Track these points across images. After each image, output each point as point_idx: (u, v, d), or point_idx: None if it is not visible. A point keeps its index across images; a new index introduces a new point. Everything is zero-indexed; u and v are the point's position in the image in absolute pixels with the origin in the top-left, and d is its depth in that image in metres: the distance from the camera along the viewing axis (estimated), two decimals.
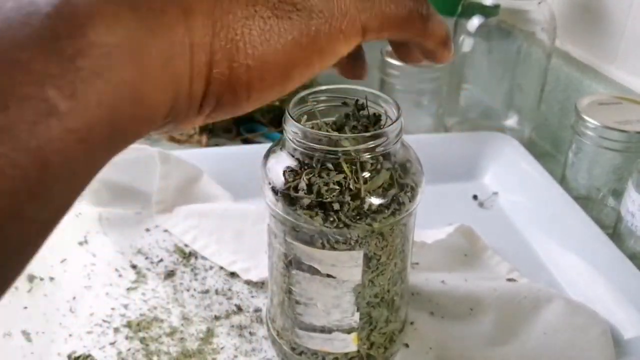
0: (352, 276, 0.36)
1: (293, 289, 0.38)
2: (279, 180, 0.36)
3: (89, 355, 0.42)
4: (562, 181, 0.61)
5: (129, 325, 0.44)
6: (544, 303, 0.46)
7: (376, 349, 0.40)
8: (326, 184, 0.34)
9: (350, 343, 0.39)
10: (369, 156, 0.34)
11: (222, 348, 0.43)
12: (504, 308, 0.46)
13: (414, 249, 0.49)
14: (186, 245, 0.53)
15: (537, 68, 0.69)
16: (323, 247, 0.35)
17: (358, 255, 0.36)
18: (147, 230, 0.54)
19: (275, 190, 0.36)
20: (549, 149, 0.74)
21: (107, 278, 0.49)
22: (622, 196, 0.52)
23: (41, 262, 0.48)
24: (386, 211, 0.35)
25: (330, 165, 0.34)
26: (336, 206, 0.34)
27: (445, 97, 0.71)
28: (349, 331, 0.39)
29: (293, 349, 0.41)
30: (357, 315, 0.38)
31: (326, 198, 0.34)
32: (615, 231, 0.54)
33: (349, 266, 0.36)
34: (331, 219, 0.34)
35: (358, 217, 0.34)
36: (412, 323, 0.45)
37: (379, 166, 0.35)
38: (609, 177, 0.58)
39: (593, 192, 0.59)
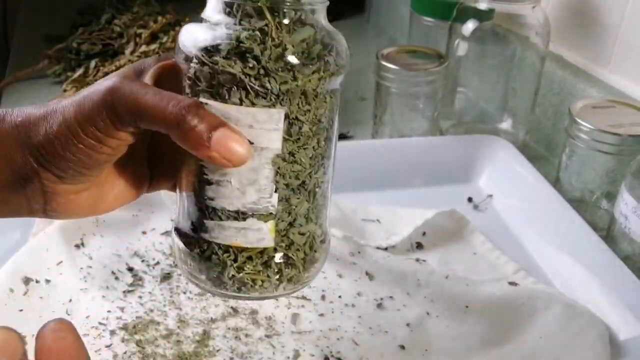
0: (271, 142, 0.33)
1: (204, 168, 0.34)
2: (197, 39, 0.33)
3: None
4: (556, 184, 0.62)
5: (125, 328, 0.44)
6: (541, 308, 0.46)
7: (295, 251, 0.36)
8: (247, 30, 0.32)
9: (267, 234, 0.35)
10: (293, 9, 0.33)
11: (218, 350, 0.43)
12: (502, 311, 0.46)
13: (419, 222, 0.52)
14: None
15: (531, 72, 0.69)
16: (241, 102, 0.33)
17: (279, 115, 0.33)
18: (144, 232, 0.54)
19: (190, 52, 0.33)
20: (543, 152, 0.74)
21: (103, 281, 0.49)
22: (616, 199, 0.53)
23: (37, 264, 0.48)
24: (310, 66, 0.33)
25: (251, 11, 0.32)
26: (257, 50, 0.32)
27: (441, 100, 0.71)
28: (265, 218, 0.35)
29: (202, 252, 0.36)
30: (275, 197, 0.34)
31: (246, 43, 0.32)
32: (608, 233, 0.54)
33: (268, 129, 0.33)
34: (250, 65, 0.32)
35: (280, 67, 0.32)
36: (408, 325, 0.45)
37: (303, 17, 0.33)
38: (603, 180, 0.58)
39: (587, 194, 0.60)
